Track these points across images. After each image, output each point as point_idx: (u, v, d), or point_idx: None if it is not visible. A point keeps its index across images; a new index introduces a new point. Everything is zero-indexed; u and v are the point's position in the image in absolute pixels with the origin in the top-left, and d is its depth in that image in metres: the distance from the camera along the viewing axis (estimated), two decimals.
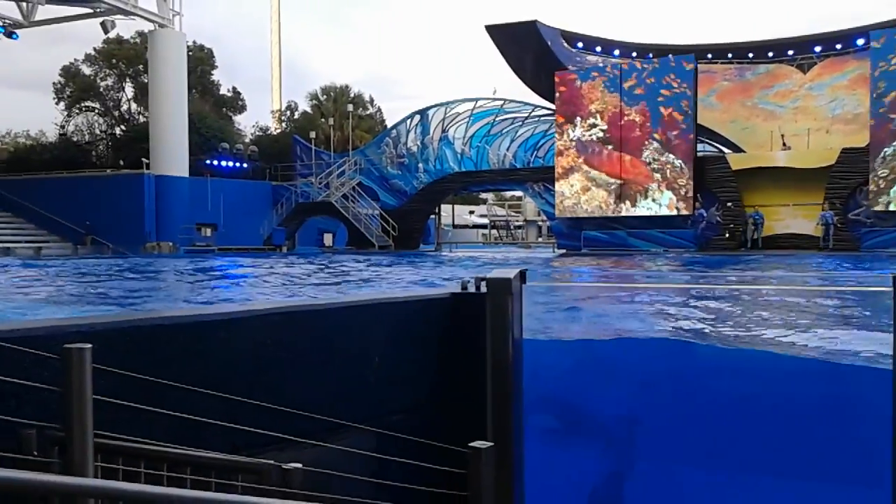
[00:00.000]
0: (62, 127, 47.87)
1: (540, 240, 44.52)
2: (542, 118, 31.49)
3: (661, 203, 27.39)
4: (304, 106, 57.89)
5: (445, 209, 40.88)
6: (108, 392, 2.22)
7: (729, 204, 26.75)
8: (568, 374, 5.81)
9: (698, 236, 26.74)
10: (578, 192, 29.02)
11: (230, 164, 39.04)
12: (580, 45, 31.43)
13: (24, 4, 35.53)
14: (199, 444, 2.46)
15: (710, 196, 27.27)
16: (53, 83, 48.60)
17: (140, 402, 2.39)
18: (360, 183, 34.66)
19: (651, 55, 30.03)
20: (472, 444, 2.85)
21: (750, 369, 5.90)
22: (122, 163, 39.28)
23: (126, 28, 45.33)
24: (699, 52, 28.77)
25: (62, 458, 2.09)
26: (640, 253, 26.16)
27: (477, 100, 33.23)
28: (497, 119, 32.49)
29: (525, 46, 30.81)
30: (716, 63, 29.62)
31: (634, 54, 30.96)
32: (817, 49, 28.20)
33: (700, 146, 29.08)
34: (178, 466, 2.25)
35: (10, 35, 36.23)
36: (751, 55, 29.40)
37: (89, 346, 1.90)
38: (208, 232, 35.03)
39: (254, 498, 2.09)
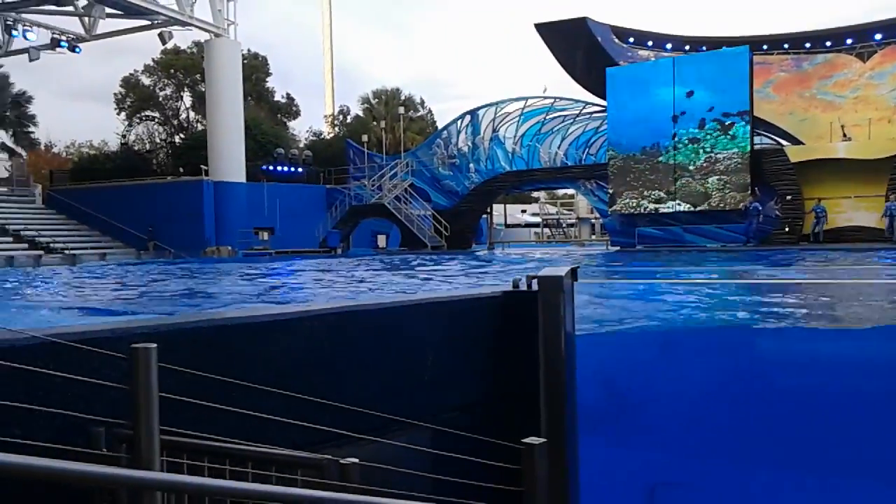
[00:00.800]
0: (123, 136, 49.36)
1: (593, 237, 44.11)
2: (594, 115, 31.21)
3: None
4: (356, 110, 58.58)
5: (497, 208, 40.88)
6: (173, 391, 2.31)
7: (788, 197, 26.12)
8: None
9: (755, 230, 26.12)
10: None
11: (285, 168, 39.68)
12: (631, 40, 31.04)
13: (86, 19, 36.70)
14: (260, 440, 2.54)
15: (768, 189, 26.67)
16: (114, 94, 50.15)
17: (204, 400, 2.47)
18: (412, 184, 34.86)
19: (704, 48, 29.50)
20: (525, 440, 2.87)
21: None
22: (181, 170, 40.27)
23: (183, 39, 46.67)
24: (754, 44, 28.14)
25: (130, 454, 2.18)
26: (695, 248, 25.73)
27: (527, 99, 33.12)
28: (547, 117, 32.33)
29: (575, 43, 30.57)
30: (771, 54, 28.93)
31: (687, 47, 30.44)
32: (878, 37, 27.31)
33: (757, 139, 28.44)
34: (240, 462, 2.33)
35: (73, 49, 37.49)
36: (808, 45, 28.62)
37: (154, 345, 1.99)
38: (265, 236, 35.67)
39: (311, 491, 2.16)
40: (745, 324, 7.20)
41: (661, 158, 28.13)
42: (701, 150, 27.52)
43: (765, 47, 28.86)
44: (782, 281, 12.69)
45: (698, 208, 27.38)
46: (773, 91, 28.98)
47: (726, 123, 27.11)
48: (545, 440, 2.88)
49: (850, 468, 5.40)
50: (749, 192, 26.53)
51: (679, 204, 27.79)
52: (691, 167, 27.70)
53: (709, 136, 27.43)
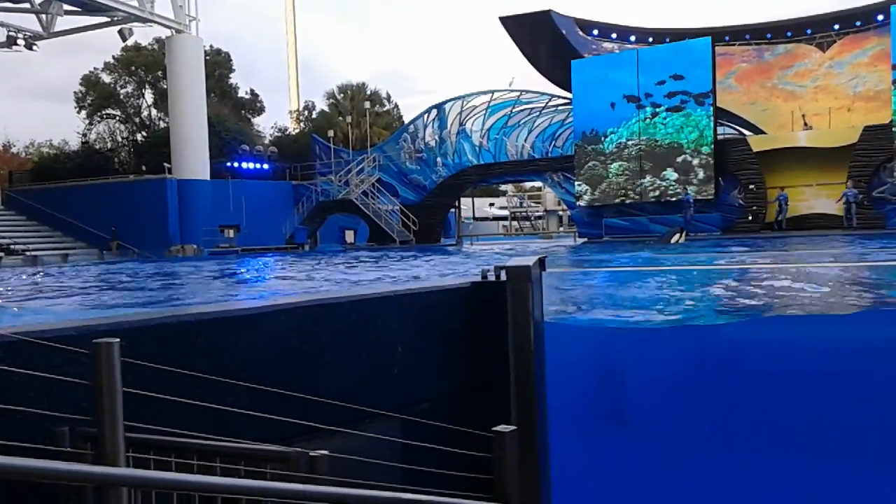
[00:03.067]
0: (84, 135, 48.53)
1: (561, 229, 44.38)
2: (559, 108, 31.37)
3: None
4: (322, 105, 58.25)
5: (465, 202, 40.92)
6: (138, 387, 2.27)
7: (751, 186, 26.50)
8: None
9: (690, 220, 26.35)
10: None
11: (251, 165, 39.33)
12: (595, 32, 31.25)
13: (44, 16, 35.98)
14: (229, 436, 2.51)
15: (731, 179, 27.04)
16: (74, 92, 49.28)
17: (170, 396, 2.44)
18: (379, 179, 34.77)
19: (668, 39, 29.78)
20: (495, 428, 2.89)
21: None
22: (144, 168, 39.73)
23: (144, 35, 45.89)
24: (716, 35, 28.47)
25: (95, 452, 2.14)
26: (654, 238, 26.00)
27: (493, 92, 33.19)
28: (514, 110, 32.43)
29: (540, 36, 30.69)
30: (733, 45, 29.32)
31: (651, 39, 30.72)
32: (836, 27, 27.80)
33: (720, 129, 28.80)
34: (207, 457, 2.31)
35: (30, 47, 36.75)
36: (769, 35, 29.04)
37: (117, 340, 1.96)
38: (231, 233, 35.35)
39: (279, 483, 2.15)
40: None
41: (626, 145, 28.30)
42: (664, 133, 27.65)
43: (727, 38, 29.24)
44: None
45: (662, 199, 27.66)
46: (735, 81, 29.38)
47: (687, 106, 27.26)
48: (515, 427, 2.89)
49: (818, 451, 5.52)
50: (712, 182, 26.85)
51: (645, 193, 28.02)
52: (656, 150, 27.93)
53: (670, 120, 27.59)
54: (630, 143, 28.19)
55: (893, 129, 24.32)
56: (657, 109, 27.79)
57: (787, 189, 25.98)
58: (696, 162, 27.24)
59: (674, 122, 27.61)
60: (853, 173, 24.96)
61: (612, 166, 28.53)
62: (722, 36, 29.04)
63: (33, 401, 2.28)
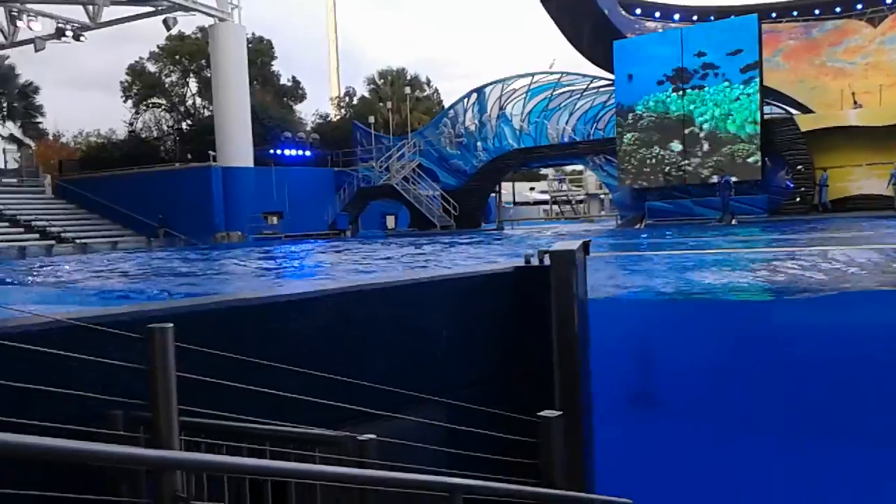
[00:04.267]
0: (131, 124, 49.33)
1: (603, 213, 43.92)
2: (601, 89, 30.96)
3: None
4: (363, 91, 58.33)
5: (506, 187, 40.71)
6: (190, 372, 2.32)
7: (799, 167, 25.87)
8: None
9: (727, 204, 25.76)
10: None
11: (293, 152, 39.64)
12: (638, 11, 30.73)
13: (91, 7, 36.61)
14: (278, 420, 2.55)
15: (779, 160, 26.44)
16: (121, 82, 50.06)
17: (221, 380, 2.49)
18: (419, 165, 34.76)
19: (713, 18, 29.16)
20: (540, 413, 2.88)
21: None
22: (189, 156, 40.28)
23: (187, 24, 46.39)
24: (762, 12, 27.77)
25: (148, 435, 2.19)
26: (706, 221, 25.58)
27: (533, 75, 32.87)
28: (555, 93, 32.11)
29: (581, 16, 30.29)
30: (780, 22, 28.58)
31: (695, 18, 30.11)
32: (888, 1, 26.93)
33: (767, 108, 28.15)
34: (257, 441, 2.35)
35: (77, 38, 37.45)
36: (817, 12, 28.26)
37: (171, 325, 2.00)
38: (275, 220, 35.72)
39: (329, 467, 2.18)
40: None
41: (671, 109, 27.69)
42: (710, 103, 27.06)
43: (773, 15, 28.52)
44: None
45: (709, 181, 27.16)
46: (782, 59, 28.67)
47: (732, 84, 26.68)
48: (560, 413, 2.89)
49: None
50: (759, 163, 26.29)
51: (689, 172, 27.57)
52: (665, 122, 27.57)
53: (710, 97, 27.04)
54: (646, 115, 27.87)
55: None
56: (699, 89, 27.23)
57: (836, 169, 25.31)
58: (738, 144, 26.67)
59: (715, 99, 27.02)
60: None
61: (626, 136, 28.26)
62: (768, 13, 28.33)
63: (88, 385, 2.34)
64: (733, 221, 24.05)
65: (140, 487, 2.22)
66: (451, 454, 2.89)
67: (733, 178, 25.73)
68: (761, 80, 26.67)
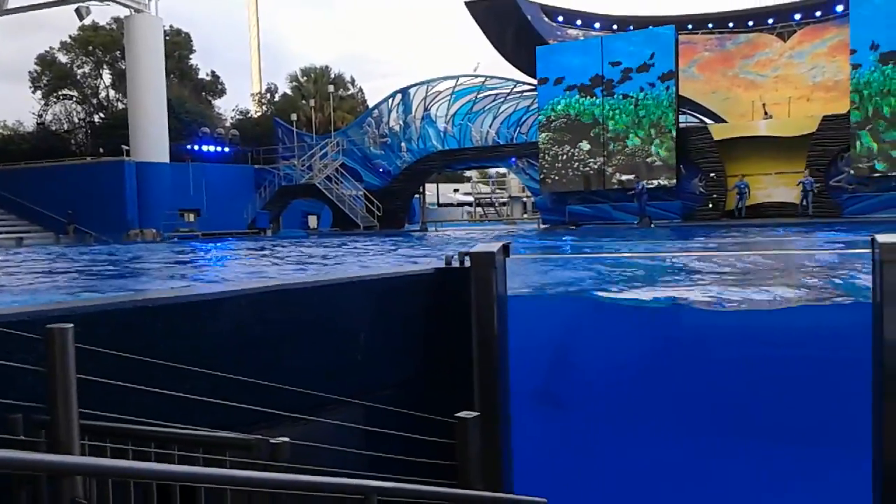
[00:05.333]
0: (40, 116, 47.34)
1: (525, 216, 44.54)
2: (524, 94, 31.39)
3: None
4: (285, 88, 57.54)
5: (430, 188, 40.86)
6: (93, 373, 2.22)
7: (712, 174, 26.83)
8: None
9: (644, 208, 26.66)
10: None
11: (211, 148, 38.74)
12: (560, 18, 31.29)
13: None
14: (187, 423, 2.47)
15: (692, 167, 27.36)
16: (29, 72, 48.02)
17: (126, 383, 2.39)
18: (343, 164, 34.49)
19: (631, 27, 29.94)
20: (458, 414, 2.88)
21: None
22: (101, 150, 38.89)
23: (102, 14, 44.87)
24: (680, 23, 28.70)
25: (48, 439, 2.09)
26: (623, 225, 26.25)
27: (458, 77, 33.07)
28: (479, 96, 32.36)
29: (505, 21, 30.64)
30: (696, 34, 29.58)
31: (615, 27, 30.85)
32: (797, 17, 28.18)
33: (682, 118, 29.08)
34: (165, 444, 2.27)
35: None
36: (731, 25, 29.35)
37: (70, 325, 1.90)
38: (191, 217, 34.82)
39: (238, 471, 2.12)
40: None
41: (585, 113, 28.56)
42: (628, 116, 27.94)
43: (690, 27, 29.48)
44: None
45: (628, 187, 27.86)
46: (697, 70, 29.65)
47: (648, 94, 27.56)
48: (478, 413, 2.89)
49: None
50: (674, 169, 27.14)
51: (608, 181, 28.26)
52: (575, 123, 28.58)
53: (634, 100, 27.90)
54: (560, 116, 28.78)
55: (850, 119, 24.79)
56: (616, 96, 27.99)
57: (746, 177, 26.37)
58: (652, 151, 27.50)
59: (627, 110, 27.87)
60: (811, 162, 25.40)
61: (541, 136, 29.20)
62: (685, 24, 29.27)
63: None
64: (651, 225, 24.91)
65: (41, 493, 2.12)
66: (369, 457, 2.86)
67: (647, 184, 26.61)
68: (677, 90, 27.55)
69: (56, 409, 1.87)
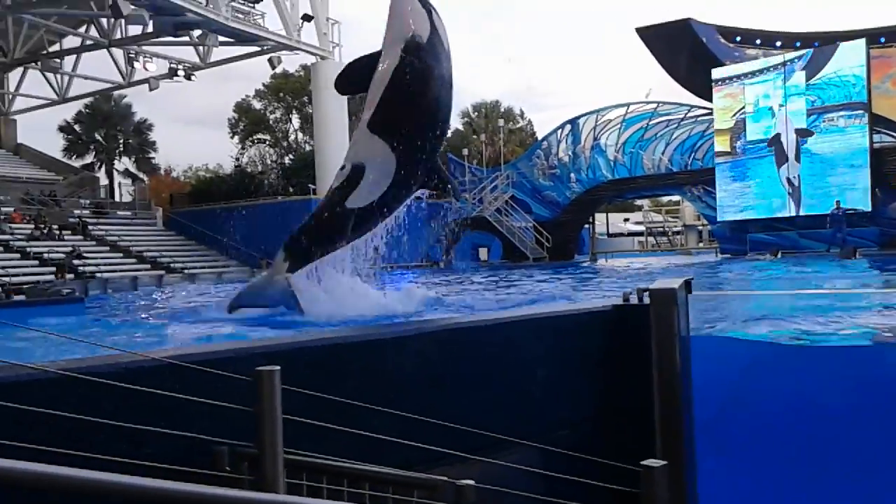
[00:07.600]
0: (237, 159, 51.55)
1: (701, 245, 42.69)
2: (700, 118, 30.29)
3: None
4: (457, 123, 59.09)
5: (599, 218, 40.21)
6: (292, 411, 2.36)
7: None
8: None
9: (842, 239, 24.36)
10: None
11: None
12: (738, 39, 29.97)
13: (201, 48, 38.61)
14: (375, 459, 2.56)
15: (889, 191, 25.14)
16: (228, 119, 52.50)
17: (321, 420, 2.53)
18: (512, 196, 34.76)
19: (817, 44, 28.14)
20: (644, 462, 2.79)
21: None
22: (291, 189, 41.61)
23: (291, 62, 48.25)
24: (870, 37, 26.64)
25: (253, 474, 2.25)
26: (813, 254, 24.47)
27: (629, 105, 32.49)
28: (650, 123, 31.59)
29: (678, 46, 29.80)
30: (890, 46, 27.28)
31: (798, 44, 29.12)
32: None
33: (876, 137, 26.84)
34: (357, 482, 2.37)
35: (188, 77, 39.51)
36: None
37: (278, 368, 2.05)
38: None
39: None
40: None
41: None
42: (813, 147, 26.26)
43: (882, 40, 27.26)
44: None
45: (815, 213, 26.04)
46: (892, 86, 27.32)
47: (840, 121, 25.74)
48: (665, 462, 2.79)
49: None
50: (869, 194, 25.05)
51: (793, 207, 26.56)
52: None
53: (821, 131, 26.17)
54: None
55: None
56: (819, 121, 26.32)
57: None
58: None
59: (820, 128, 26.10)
60: None
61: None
62: (877, 37, 27.11)
63: (196, 423, 2.42)
64: (856, 256, 21.72)
65: None
66: (547, 502, 2.84)
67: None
68: (870, 108, 25.52)
69: (264, 447, 2.01)
